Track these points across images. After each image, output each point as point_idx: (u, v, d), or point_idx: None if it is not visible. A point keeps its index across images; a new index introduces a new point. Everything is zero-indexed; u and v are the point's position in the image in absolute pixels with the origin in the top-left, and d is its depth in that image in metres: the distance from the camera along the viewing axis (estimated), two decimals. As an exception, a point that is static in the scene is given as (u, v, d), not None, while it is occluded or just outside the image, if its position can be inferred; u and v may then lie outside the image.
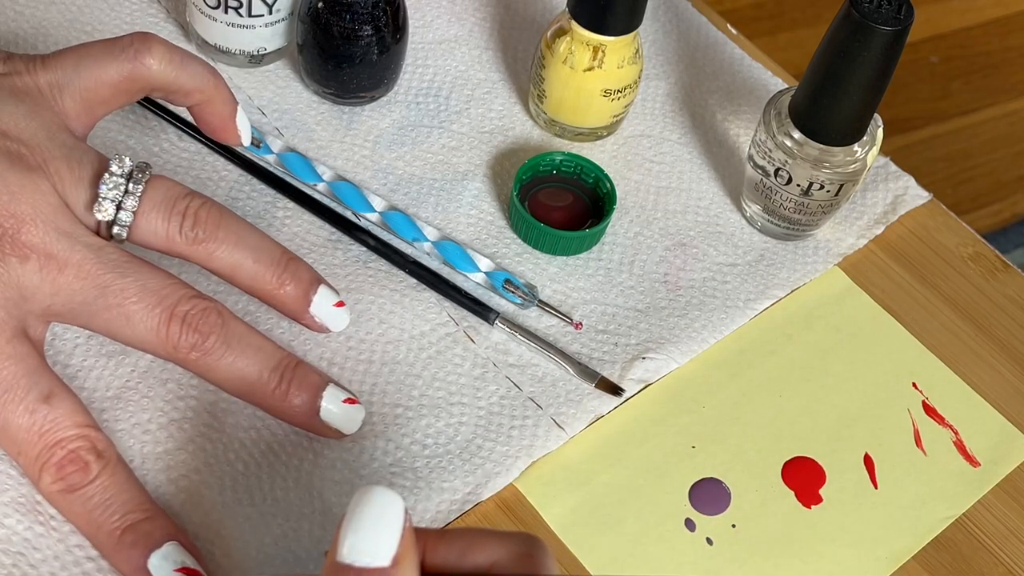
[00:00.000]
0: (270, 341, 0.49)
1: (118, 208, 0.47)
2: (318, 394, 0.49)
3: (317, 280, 0.52)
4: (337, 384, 0.50)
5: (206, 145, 0.59)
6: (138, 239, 0.49)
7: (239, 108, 0.54)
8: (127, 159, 0.48)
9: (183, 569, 0.44)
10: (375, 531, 0.35)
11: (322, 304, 0.51)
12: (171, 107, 0.61)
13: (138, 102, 0.60)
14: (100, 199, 0.47)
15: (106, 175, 0.47)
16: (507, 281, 0.57)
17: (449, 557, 0.36)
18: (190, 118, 0.60)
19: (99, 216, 0.47)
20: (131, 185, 0.47)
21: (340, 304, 0.52)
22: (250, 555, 0.47)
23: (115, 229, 0.48)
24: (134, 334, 0.47)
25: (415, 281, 0.56)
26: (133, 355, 0.51)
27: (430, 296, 0.56)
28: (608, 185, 0.60)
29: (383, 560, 0.34)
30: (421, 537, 0.37)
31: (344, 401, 0.49)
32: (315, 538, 0.48)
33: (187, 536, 0.46)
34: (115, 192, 0.47)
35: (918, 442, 0.56)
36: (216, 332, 0.47)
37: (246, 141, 0.55)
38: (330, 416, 0.49)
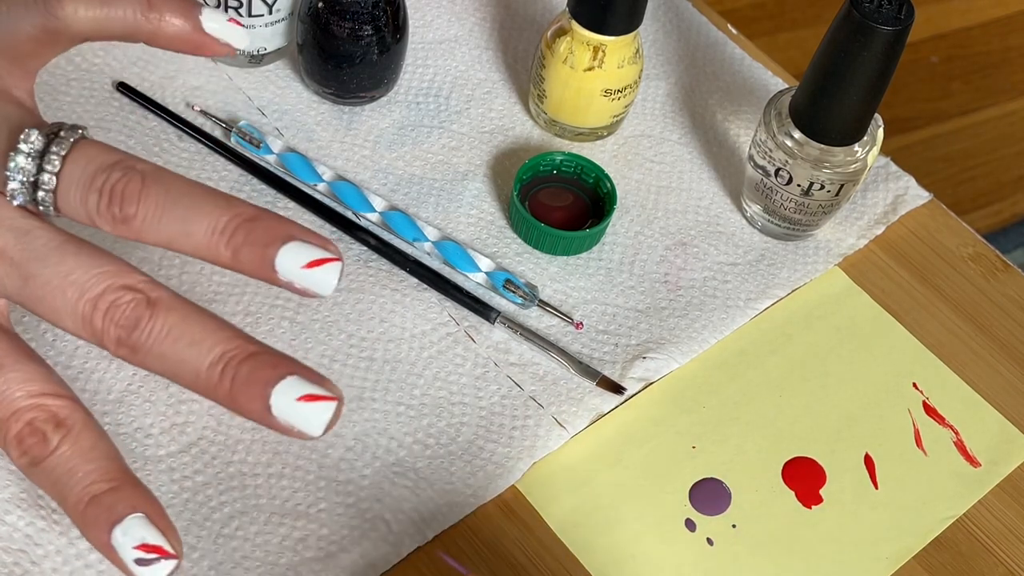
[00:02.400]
0: (214, 331, 0.41)
1: (35, 186, 0.42)
2: (266, 393, 0.40)
3: (282, 238, 0.41)
4: (302, 376, 0.40)
5: (206, 145, 0.59)
6: (66, 216, 0.43)
7: (203, 12, 0.47)
8: (36, 132, 0.42)
9: (144, 546, 0.40)
10: None
11: (290, 265, 0.41)
12: (171, 108, 0.61)
13: (138, 102, 0.60)
14: (8, 175, 0.42)
15: (11, 154, 0.42)
16: (508, 281, 0.57)
17: None
18: (189, 118, 0.60)
19: (13, 200, 0.42)
20: (47, 158, 0.42)
21: (317, 263, 0.41)
22: (255, 556, 0.47)
23: (41, 209, 0.42)
24: (66, 328, 0.42)
25: (416, 281, 0.56)
26: (134, 355, 0.51)
27: (431, 296, 0.56)
28: (608, 185, 0.60)
29: None
30: None
31: (301, 399, 0.40)
32: (322, 538, 0.48)
33: (157, 505, 0.42)
34: (25, 173, 0.42)
35: (918, 442, 0.56)
36: (141, 326, 0.41)
37: (240, 44, 0.48)
38: (283, 414, 0.40)
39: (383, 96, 0.63)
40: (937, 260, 0.63)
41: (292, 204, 0.58)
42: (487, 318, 0.56)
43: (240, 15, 0.60)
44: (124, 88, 0.61)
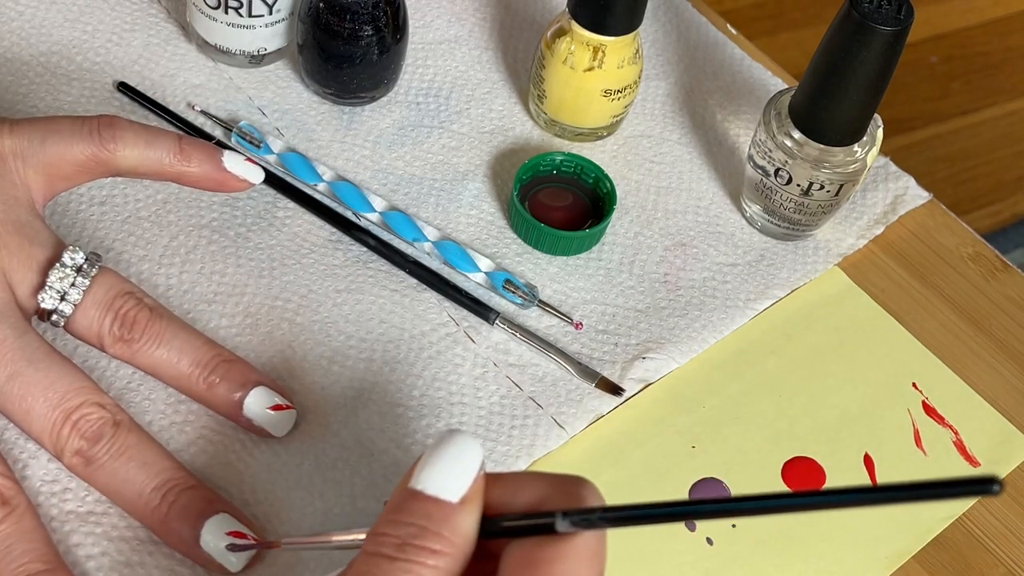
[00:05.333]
0: (164, 459, 0.47)
1: (61, 298, 0.48)
2: (199, 524, 0.46)
3: (252, 382, 0.50)
4: (228, 512, 0.46)
5: (206, 145, 0.59)
6: (72, 330, 0.49)
7: (225, 155, 0.52)
8: (80, 251, 0.48)
9: None
10: (451, 469, 0.37)
11: (255, 406, 0.49)
12: (172, 107, 0.61)
13: (139, 102, 0.60)
14: (47, 287, 0.47)
15: (58, 265, 0.47)
16: (507, 281, 0.57)
17: (503, 497, 0.38)
18: (190, 118, 0.60)
19: (43, 304, 0.47)
20: (78, 279, 0.48)
21: (280, 407, 0.50)
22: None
23: (53, 317, 0.48)
24: (30, 429, 0.47)
25: (415, 281, 0.57)
26: (134, 355, 0.52)
27: (430, 296, 0.56)
28: (608, 185, 0.60)
29: (452, 496, 0.37)
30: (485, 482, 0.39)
31: (228, 533, 0.46)
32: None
33: None
34: (63, 283, 0.47)
35: (918, 442, 0.56)
36: (103, 442, 0.46)
37: (256, 179, 0.53)
38: (208, 547, 0.46)
39: (383, 96, 0.63)
40: (937, 260, 0.63)
41: (292, 204, 0.58)
42: (486, 318, 0.56)
43: (240, 15, 0.60)
44: (125, 88, 0.61)
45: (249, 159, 0.53)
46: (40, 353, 0.47)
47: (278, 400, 0.50)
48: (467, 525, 0.37)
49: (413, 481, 0.37)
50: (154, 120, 0.60)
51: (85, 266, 0.48)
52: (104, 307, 0.48)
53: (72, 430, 0.46)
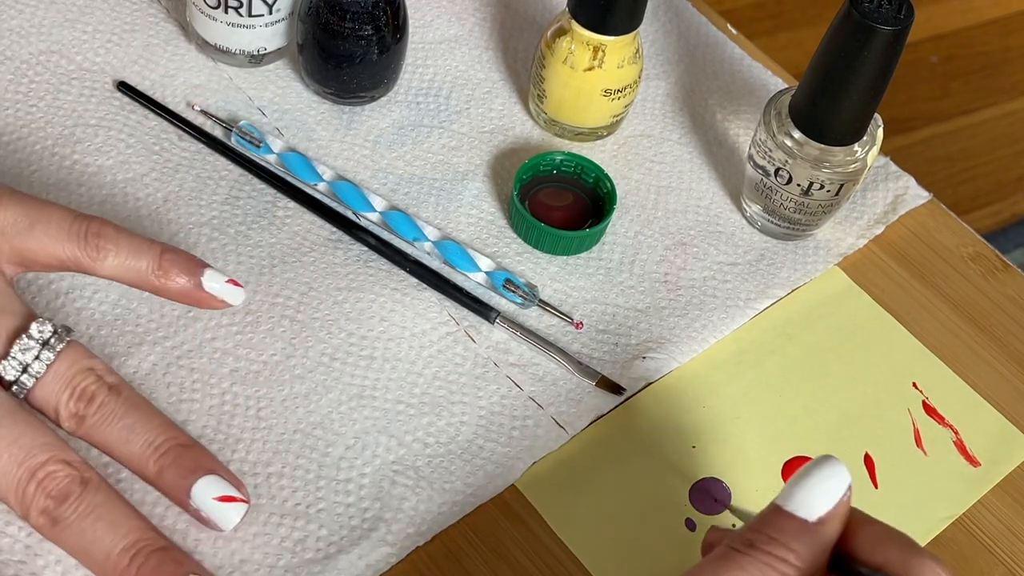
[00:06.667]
0: (132, 519, 0.45)
1: (24, 370, 0.46)
2: None
3: (203, 469, 0.47)
4: (198, 574, 0.45)
5: (206, 145, 0.59)
6: (31, 402, 0.47)
7: (205, 274, 0.51)
8: (48, 324, 0.47)
9: None
10: (812, 490, 0.40)
11: (201, 495, 0.46)
12: (172, 107, 0.61)
13: (139, 102, 0.60)
14: (10, 357, 0.46)
15: (24, 336, 0.46)
16: (507, 281, 0.57)
17: (862, 545, 0.40)
18: (190, 118, 0.60)
19: (4, 375, 0.46)
20: (44, 352, 0.47)
21: (228, 499, 0.47)
22: (254, 558, 0.47)
23: (14, 388, 0.47)
24: None
25: (416, 280, 0.57)
26: (136, 356, 0.52)
27: (431, 295, 0.56)
28: (608, 185, 0.60)
29: (809, 515, 0.39)
30: (854, 517, 0.41)
31: None
32: (321, 538, 0.48)
33: None
34: (26, 355, 0.46)
35: (918, 442, 0.56)
36: (70, 501, 0.45)
37: (236, 302, 0.52)
38: None
39: (383, 96, 0.63)
40: (937, 260, 0.63)
41: (292, 204, 0.58)
42: (487, 318, 0.56)
43: (240, 15, 0.60)
44: (125, 87, 0.61)
45: (231, 280, 0.52)
46: (3, 409, 0.45)
47: (227, 491, 0.47)
48: (817, 545, 0.39)
49: (779, 498, 0.40)
50: (154, 120, 0.60)
51: (52, 340, 0.47)
52: (64, 382, 0.47)
53: (37, 488, 0.45)
